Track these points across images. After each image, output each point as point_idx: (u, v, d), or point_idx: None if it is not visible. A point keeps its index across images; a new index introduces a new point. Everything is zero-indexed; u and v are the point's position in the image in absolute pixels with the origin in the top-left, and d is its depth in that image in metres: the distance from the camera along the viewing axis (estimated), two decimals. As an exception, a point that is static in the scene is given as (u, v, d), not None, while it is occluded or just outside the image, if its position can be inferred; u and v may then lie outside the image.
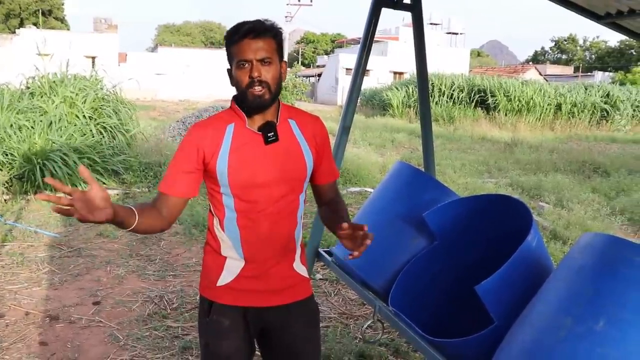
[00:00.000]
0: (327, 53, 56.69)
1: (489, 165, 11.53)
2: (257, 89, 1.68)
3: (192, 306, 4.10)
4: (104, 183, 7.68)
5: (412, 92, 24.14)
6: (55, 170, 7.09)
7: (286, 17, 39.74)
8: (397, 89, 25.08)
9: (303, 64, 62.93)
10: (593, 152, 14.15)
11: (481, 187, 8.84)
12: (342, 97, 33.72)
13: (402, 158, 11.40)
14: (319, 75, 40.58)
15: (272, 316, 1.85)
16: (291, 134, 1.80)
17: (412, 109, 23.01)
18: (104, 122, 8.83)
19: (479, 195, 2.45)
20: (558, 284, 1.66)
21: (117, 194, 7.39)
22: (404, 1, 2.95)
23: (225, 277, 1.81)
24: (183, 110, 21.64)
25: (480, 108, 23.09)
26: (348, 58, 35.63)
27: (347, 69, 35.10)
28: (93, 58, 28.42)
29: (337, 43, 58.80)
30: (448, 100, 23.50)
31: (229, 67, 1.75)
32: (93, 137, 8.35)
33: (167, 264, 5.02)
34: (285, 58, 1.83)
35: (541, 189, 8.88)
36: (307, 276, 1.94)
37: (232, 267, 1.81)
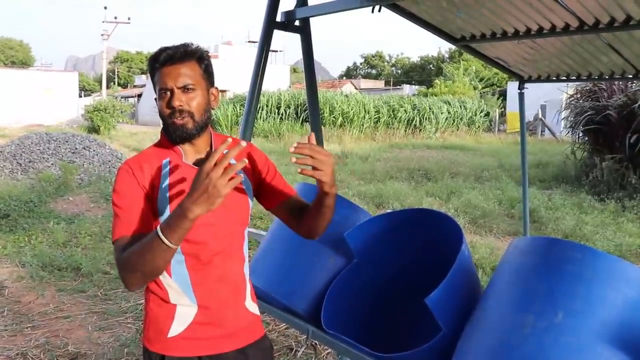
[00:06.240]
0: (143, 72, 54.63)
1: (329, 178, 11.98)
2: (179, 118, 1.59)
3: (66, 359, 3.69)
4: None
5: (240, 109, 24.35)
6: None
7: (102, 35, 37.23)
8: (224, 106, 25.12)
9: (119, 84, 59.89)
10: (416, 159, 15.46)
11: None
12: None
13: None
14: (139, 95, 38.93)
15: None
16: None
17: (239, 126, 23.14)
18: None
19: (399, 211, 2.57)
20: (508, 286, 1.80)
21: None
22: (294, 23, 3.01)
23: (177, 327, 1.67)
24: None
25: (307, 122, 24.02)
26: (169, 77, 34.74)
27: (168, 88, 34.19)
28: None
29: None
30: (275, 116, 24.09)
31: (155, 96, 1.65)
32: None
33: (20, 314, 4.47)
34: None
35: (383, 196, 9.49)
36: (258, 313, 1.87)
37: (184, 314, 1.68)
